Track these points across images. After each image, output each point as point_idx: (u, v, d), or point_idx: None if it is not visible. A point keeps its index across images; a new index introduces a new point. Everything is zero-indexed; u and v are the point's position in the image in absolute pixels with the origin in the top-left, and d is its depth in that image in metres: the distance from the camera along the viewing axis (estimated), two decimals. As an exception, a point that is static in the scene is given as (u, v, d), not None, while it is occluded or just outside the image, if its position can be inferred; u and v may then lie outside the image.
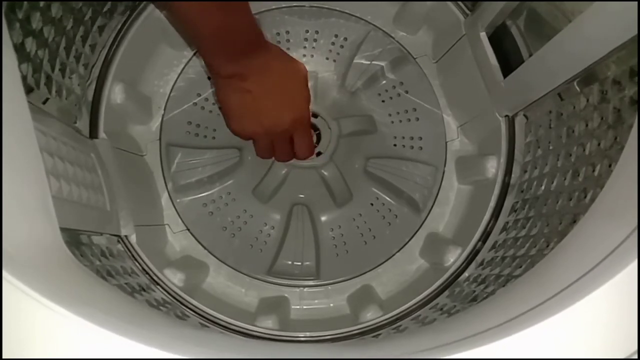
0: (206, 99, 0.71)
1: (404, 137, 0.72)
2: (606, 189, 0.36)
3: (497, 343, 0.27)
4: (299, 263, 0.68)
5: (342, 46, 0.74)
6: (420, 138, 0.72)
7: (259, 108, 0.59)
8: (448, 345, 0.28)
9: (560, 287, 0.29)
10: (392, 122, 0.72)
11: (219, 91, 0.60)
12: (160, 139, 0.70)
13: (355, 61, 0.72)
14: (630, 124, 0.40)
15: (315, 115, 0.72)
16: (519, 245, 0.55)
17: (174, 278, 0.61)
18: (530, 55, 0.58)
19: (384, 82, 0.73)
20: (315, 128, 0.71)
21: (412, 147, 0.72)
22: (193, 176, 0.68)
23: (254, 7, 0.72)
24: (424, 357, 0.29)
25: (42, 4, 0.49)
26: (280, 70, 0.59)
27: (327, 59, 0.74)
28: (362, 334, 0.60)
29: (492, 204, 0.62)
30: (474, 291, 0.55)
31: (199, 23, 0.50)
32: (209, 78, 0.71)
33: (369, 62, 0.72)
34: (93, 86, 0.62)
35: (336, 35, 0.74)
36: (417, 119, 0.72)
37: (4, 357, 0.27)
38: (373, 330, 0.61)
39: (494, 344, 0.27)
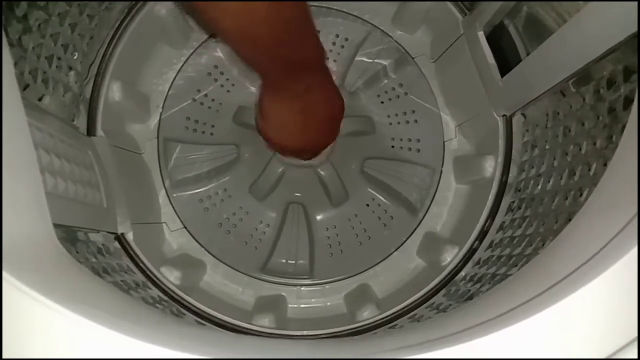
0: (205, 95, 0.72)
1: (402, 139, 0.72)
2: (604, 179, 0.36)
3: (491, 336, 0.27)
4: (293, 261, 0.68)
5: (342, 46, 0.74)
6: (419, 140, 0.72)
7: (317, 124, 0.56)
8: (439, 340, 0.28)
9: (559, 277, 0.29)
10: (391, 123, 0.72)
11: (277, 104, 0.54)
12: (158, 137, 0.70)
13: (356, 59, 0.72)
14: (625, 123, 0.40)
15: (313, 114, 0.72)
16: (515, 244, 0.55)
17: (171, 276, 0.61)
18: (528, 54, 0.58)
19: (384, 82, 0.73)
20: None
21: (409, 149, 0.72)
22: (190, 171, 0.69)
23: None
24: (417, 357, 0.29)
25: (40, 2, 0.49)
26: (334, 88, 0.58)
27: (327, 58, 0.74)
28: (359, 332, 0.60)
29: (489, 203, 0.62)
30: (470, 290, 0.56)
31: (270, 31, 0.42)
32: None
33: (370, 60, 0.72)
34: (91, 84, 0.62)
35: (337, 35, 0.74)
36: (416, 121, 0.72)
37: (2, 354, 0.27)
38: (370, 329, 0.61)
39: (487, 337, 0.27)
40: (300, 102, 0.53)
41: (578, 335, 0.27)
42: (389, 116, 0.73)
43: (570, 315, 0.27)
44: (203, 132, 0.71)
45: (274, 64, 0.47)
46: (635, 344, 0.26)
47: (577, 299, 0.27)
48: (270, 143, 0.61)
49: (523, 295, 0.30)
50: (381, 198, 0.71)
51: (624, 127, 0.37)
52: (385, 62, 0.73)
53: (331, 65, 0.74)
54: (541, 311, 0.27)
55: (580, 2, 0.46)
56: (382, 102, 0.73)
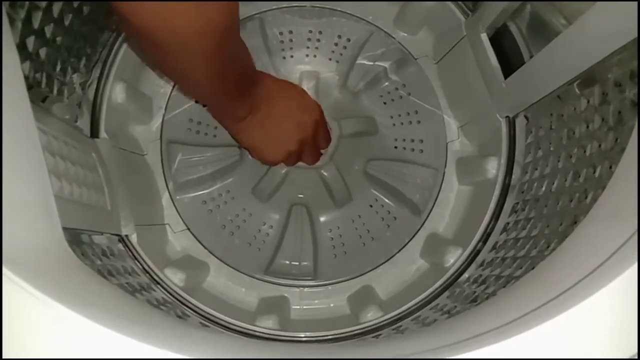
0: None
1: (404, 140, 0.72)
2: (607, 191, 0.36)
3: (497, 345, 0.27)
4: (297, 263, 0.68)
5: (345, 47, 0.74)
6: (421, 141, 0.72)
7: (282, 130, 0.60)
8: (448, 347, 0.28)
9: (561, 289, 0.29)
10: (394, 124, 0.72)
11: (240, 134, 0.61)
12: (161, 139, 0.70)
13: (358, 62, 0.72)
14: (631, 125, 0.40)
15: (316, 116, 0.72)
16: (520, 246, 0.55)
17: (175, 278, 0.61)
18: (531, 56, 0.58)
19: (387, 83, 0.73)
20: None
21: (412, 150, 0.72)
22: (194, 173, 0.68)
23: (256, 7, 0.73)
24: (424, 358, 0.29)
25: (43, 3, 0.49)
26: (278, 87, 0.61)
27: (330, 59, 0.74)
28: (363, 334, 0.60)
29: (492, 204, 0.62)
30: (475, 292, 0.56)
31: (208, 78, 0.46)
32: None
33: (371, 63, 0.72)
34: (94, 85, 0.62)
35: (339, 36, 0.74)
36: (419, 122, 0.72)
37: (4, 354, 0.27)
38: (373, 331, 0.61)
39: (493, 346, 0.27)
40: (256, 114, 0.57)
41: (578, 351, 0.27)
42: (391, 117, 0.73)
43: (570, 329, 0.27)
44: (206, 134, 0.71)
45: (220, 86, 0.48)
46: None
47: (578, 313, 0.28)
48: (266, 161, 0.65)
49: (527, 305, 0.30)
50: (384, 199, 0.71)
51: (630, 129, 0.37)
52: (386, 64, 0.73)
53: (333, 66, 0.74)
54: (541, 324, 0.28)
55: (584, 3, 0.45)
56: (384, 103, 0.73)
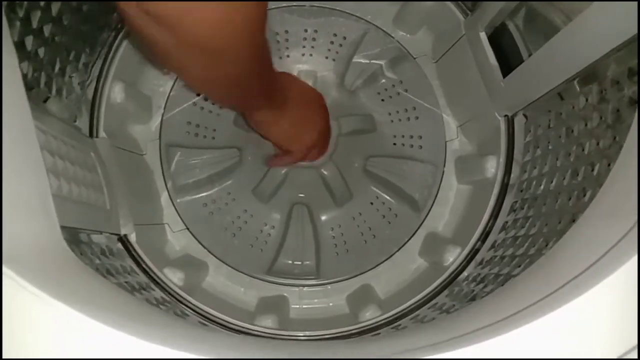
0: (205, 99, 0.71)
1: (403, 136, 0.72)
2: (604, 189, 0.36)
3: (495, 340, 0.27)
4: (299, 262, 0.68)
5: (341, 45, 0.74)
6: (420, 137, 0.72)
7: (309, 120, 0.62)
8: (445, 343, 0.28)
9: (558, 284, 0.29)
10: (392, 121, 0.72)
11: (270, 128, 0.60)
12: (160, 138, 0.70)
13: (354, 60, 0.72)
14: (629, 123, 0.40)
15: (314, 115, 0.72)
16: (518, 244, 0.55)
17: (174, 277, 0.61)
18: (530, 55, 0.58)
19: (383, 81, 0.73)
20: None
21: (411, 146, 0.72)
22: (192, 176, 0.68)
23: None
24: (423, 357, 0.29)
25: (42, 3, 0.49)
26: (297, 83, 0.62)
27: (327, 58, 0.74)
28: (361, 333, 0.60)
29: (491, 203, 0.62)
30: (473, 290, 0.56)
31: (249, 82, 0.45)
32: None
33: (368, 61, 0.72)
34: (93, 85, 0.62)
35: (335, 35, 0.74)
36: (417, 118, 0.72)
37: (4, 353, 0.27)
38: (372, 330, 0.61)
39: (491, 340, 0.27)
40: (286, 108, 0.56)
41: (578, 343, 0.27)
42: (390, 114, 0.73)
43: (569, 322, 0.27)
44: (205, 137, 0.71)
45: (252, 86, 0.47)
46: (635, 352, 0.26)
47: (578, 306, 0.28)
48: (297, 153, 0.64)
49: (526, 299, 0.30)
50: (385, 196, 0.71)
51: (628, 127, 0.37)
52: (382, 62, 0.72)
53: (330, 65, 0.74)
54: (540, 318, 0.28)
55: (583, 2, 0.45)
56: (382, 100, 0.73)
